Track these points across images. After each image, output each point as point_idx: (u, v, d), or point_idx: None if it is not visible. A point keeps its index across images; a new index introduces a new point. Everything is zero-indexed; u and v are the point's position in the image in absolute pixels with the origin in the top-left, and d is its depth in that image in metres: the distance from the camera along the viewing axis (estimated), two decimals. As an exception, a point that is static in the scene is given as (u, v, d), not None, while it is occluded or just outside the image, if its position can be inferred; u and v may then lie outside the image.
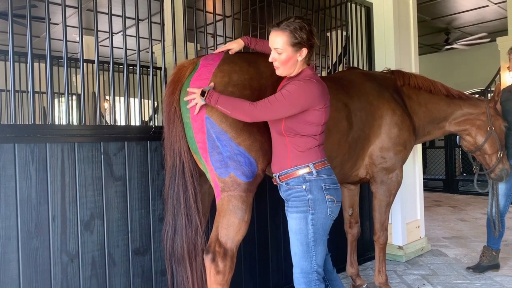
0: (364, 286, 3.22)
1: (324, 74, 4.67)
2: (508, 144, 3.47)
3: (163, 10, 2.85)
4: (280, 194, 2.06)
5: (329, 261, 2.18)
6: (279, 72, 1.94)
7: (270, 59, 1.93)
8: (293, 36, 1.84)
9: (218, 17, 5.74)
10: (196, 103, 1.96)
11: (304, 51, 1.88)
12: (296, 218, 1.94)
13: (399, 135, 2.86)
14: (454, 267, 3.74)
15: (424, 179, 5.17)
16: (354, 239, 3.24)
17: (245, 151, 1.98)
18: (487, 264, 3.59)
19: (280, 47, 1.86)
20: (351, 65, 3.95)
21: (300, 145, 1.91)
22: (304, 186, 1.91)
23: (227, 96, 1.91)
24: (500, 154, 3.34)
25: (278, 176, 2.00)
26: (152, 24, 2.66)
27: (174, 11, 2.71)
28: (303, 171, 1.91)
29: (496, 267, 3.62)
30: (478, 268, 3.58)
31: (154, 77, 2.75)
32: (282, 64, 1.90)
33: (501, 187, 3.51)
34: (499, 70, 7.59)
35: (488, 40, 9.26)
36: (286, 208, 2.01)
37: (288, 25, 1.84)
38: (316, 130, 1.92)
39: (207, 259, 2.00)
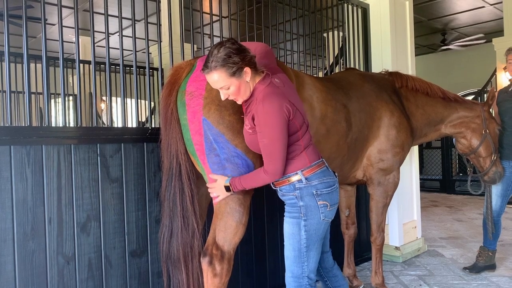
0: (361, 287, 3.23)
1: (321, 75, 4.67)
2: (503, 144, 3.49)
3: (159, 10, 2.85)
4: (279, 196, 2.06)
5: (328, 258, 2.18)
6: (240, 101, 1.86)
7: (223, 98, 1.83)
8: (228, 68, 1.73)
9: (215, 18, 5.75)
10: (218, 195, 1.97)
11: (247, 70, 1.78)
12: (289, 223, 1.94)
13: (397, 136, 2.87)
14: (450, 268, 3.75)
15: (420, 179, 5.18)
16: (351, 240, 3.25)
17: (242, 153, 1.97)
18: (483, 264, 3.60)
19: (224, 84, 1.77)
20: (347, 66, 3.96)
21: (287, 154, 1.88)
22: (295, 194, 1.90)
23: (244, 176, 1.90)
24: (494, 157, 3.37)
25: (272, 182, 1.99)
26: (149, 24, 2.65)
27: (170, 12, 2.70)
28: (293, 179, 1.89)
29: (492, 267, 3.63)
30: (475, 269, 3.59)
31: (151, 77, 2.75)
32: (236, 95, 1.82)
33: (497, 188, 3.53)
34: (495, 71, 7.62)
35: (484, 41, 9.30)
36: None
37: (216, 61, 1.73)
38: (295, 137, 1.87)
39: (204, 262, 2.00)
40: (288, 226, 1.94)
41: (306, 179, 1.88)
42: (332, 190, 1.93)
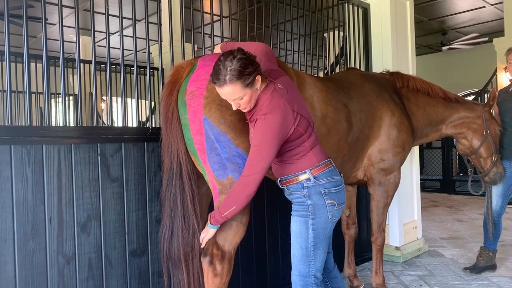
0: (361, 287, 3.22)
1: (321, 75, 4.67)
2: (504, 144, 3.49)
3: (160, 10, 2.84)
4: (285, 195, 2.06)
5: (330, 259, 2.18)
6: (248, 109, 1.84)
7: (234, 108, 1.81)
8: (244, 79, 1.71)
9: (215, 18, 5.75)
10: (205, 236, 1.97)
11: (259, 78, 1.76)
12: (297, 221, 1.95)
13: (398, 136, 2.87)
14: (451, 268, 3.75)
15: (421, 179, 5.18)
16: (351, 240, 3.25)
17: (243, 153, 1.97)
18: (484, 264, 3.60)
19: (239, 96, 1.74)
20: (348, 65, 3.96)
21: (293, 156, 1.90)
22: (303, 192, 1.91)
23: (221, 203, 1.89)
24: (495, 157, 3.36)
25: (280, 180, 2.00)
26: (150, 24, 2.65)
27: (171, 11, 2.70)
28: (301, 178, 1.90)
29: (493, 267, 3.63)
30: (475, 269, 3.59)
31: (151, 77, 2.74)
32: (248, 104, 1.79)
33: (498, 188, 3.52)
34: (495, 71, 7.61)
35: (484, 41, 9.30)
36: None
37: (232, 74, 1.69)
38: (301, 140, 1.88)
39: (205, 262, 2.00)
40: (296, 224, 1.95)
41: (314, 178, 1.89)
42: (339, 189, 1.95)
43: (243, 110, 1.85)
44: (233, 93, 1.74)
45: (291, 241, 1.99)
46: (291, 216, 1.99)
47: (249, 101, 1.79)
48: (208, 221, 1.94)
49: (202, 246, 2.00)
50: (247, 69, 1.71)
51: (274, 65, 2.00)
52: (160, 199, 2.26)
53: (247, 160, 1.83)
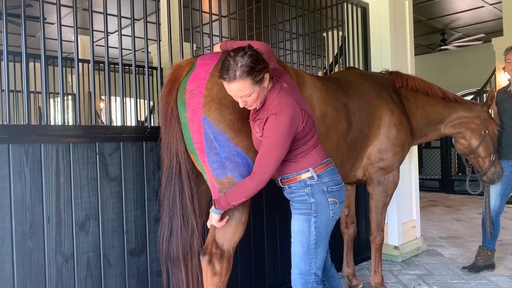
0: (360, 286, 3.23)
1: (320, 74, 4.67)
2: (502, 144, 3.49)
3: (159, 9, 2.83)
4: (284, 194, 2.06)
5: (328, 258, 2.19)
6: (253, 107, 1.84)
7: (241, 106, 1.81)
8: (255, 75, 1.70)
9: (214, 17, 5.74)
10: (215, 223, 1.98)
11: (267, 76, 1.77)
12: (299, 219, 1.95)
13: (397, 136, 2.87)
14: (449, 267, 3.75)
15: (420, 179, 5.18)
16: (350, 239, 3.25)
17: (242, 152, 1.97)
18: (482, 264, 3.60)
19: (247, 92, 1.74)
20: (347, 65, 3.96)
21: (297, 155, 1.91)
22: (305, 190, 1.91)
23: (230, 190, 1.90)
24: (493, 157, 3.37)
25: (280, 179, 2.00)
26: (148, 24, 2.64)
27: (170, 11, 2.70)
28: (304, 176, 1.91)
29: (491, 266, 3.63)
30: (474, 268, 3.59)
31: (150, 77, 2.74)
32: (254, 101, 1.79)
33: (496, 187, 3.53)
34: (494, 70, 7.62)
35: (482, 41, 9.30)
36: (291, 207, 2.03)
37: (243, 70, 1.69)
38: (306, 139, 1.89)
39: (204, 261, 2.00)
40: (298, 223, 1.95)
41: (317, 176, 1.90)
42: (340, 187, 1.97)
43: (249, 108, 1.85)
44: (242, 89, 1.74)
45: (292, 240, 1.99)
46: (292, 215, 1.99)
47: (256, 99, 1.79)
48: (213, 206, 1.95)
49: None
50: (258, 66, 1.72)
51: (275, 64, 2.00)
52: (159, 198, 2.26)
53: (258, 159, 1.84)
